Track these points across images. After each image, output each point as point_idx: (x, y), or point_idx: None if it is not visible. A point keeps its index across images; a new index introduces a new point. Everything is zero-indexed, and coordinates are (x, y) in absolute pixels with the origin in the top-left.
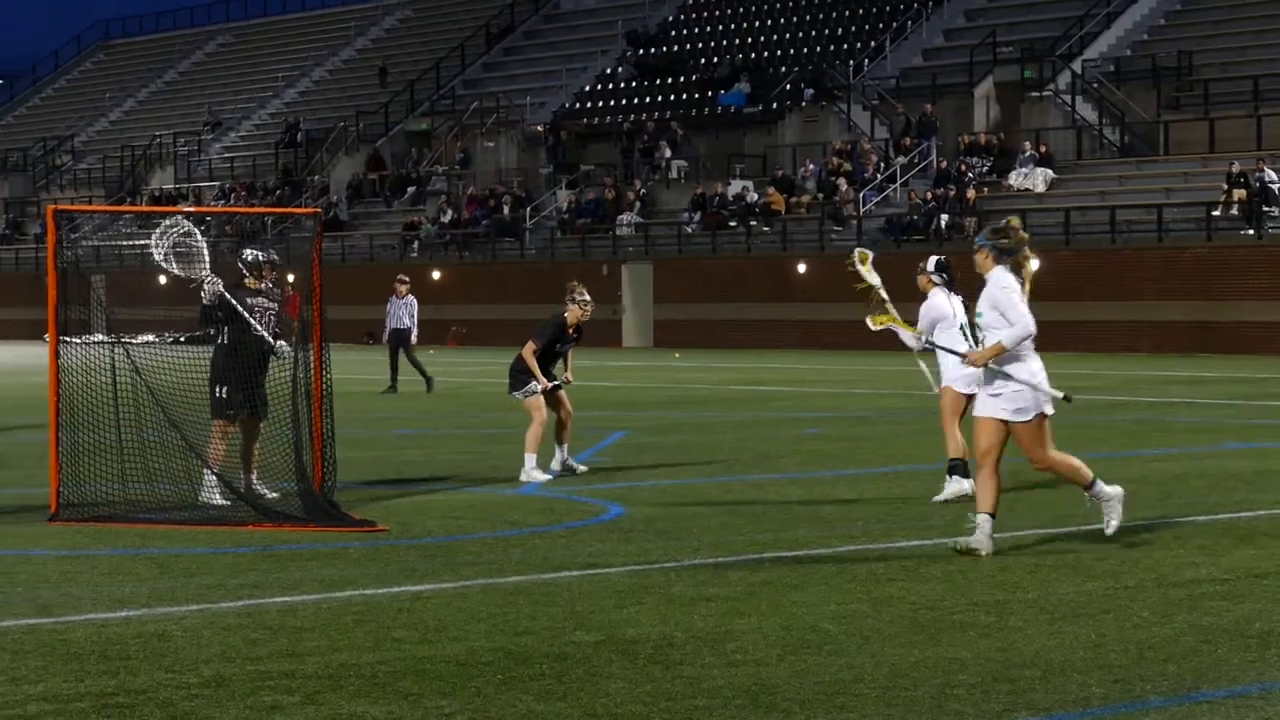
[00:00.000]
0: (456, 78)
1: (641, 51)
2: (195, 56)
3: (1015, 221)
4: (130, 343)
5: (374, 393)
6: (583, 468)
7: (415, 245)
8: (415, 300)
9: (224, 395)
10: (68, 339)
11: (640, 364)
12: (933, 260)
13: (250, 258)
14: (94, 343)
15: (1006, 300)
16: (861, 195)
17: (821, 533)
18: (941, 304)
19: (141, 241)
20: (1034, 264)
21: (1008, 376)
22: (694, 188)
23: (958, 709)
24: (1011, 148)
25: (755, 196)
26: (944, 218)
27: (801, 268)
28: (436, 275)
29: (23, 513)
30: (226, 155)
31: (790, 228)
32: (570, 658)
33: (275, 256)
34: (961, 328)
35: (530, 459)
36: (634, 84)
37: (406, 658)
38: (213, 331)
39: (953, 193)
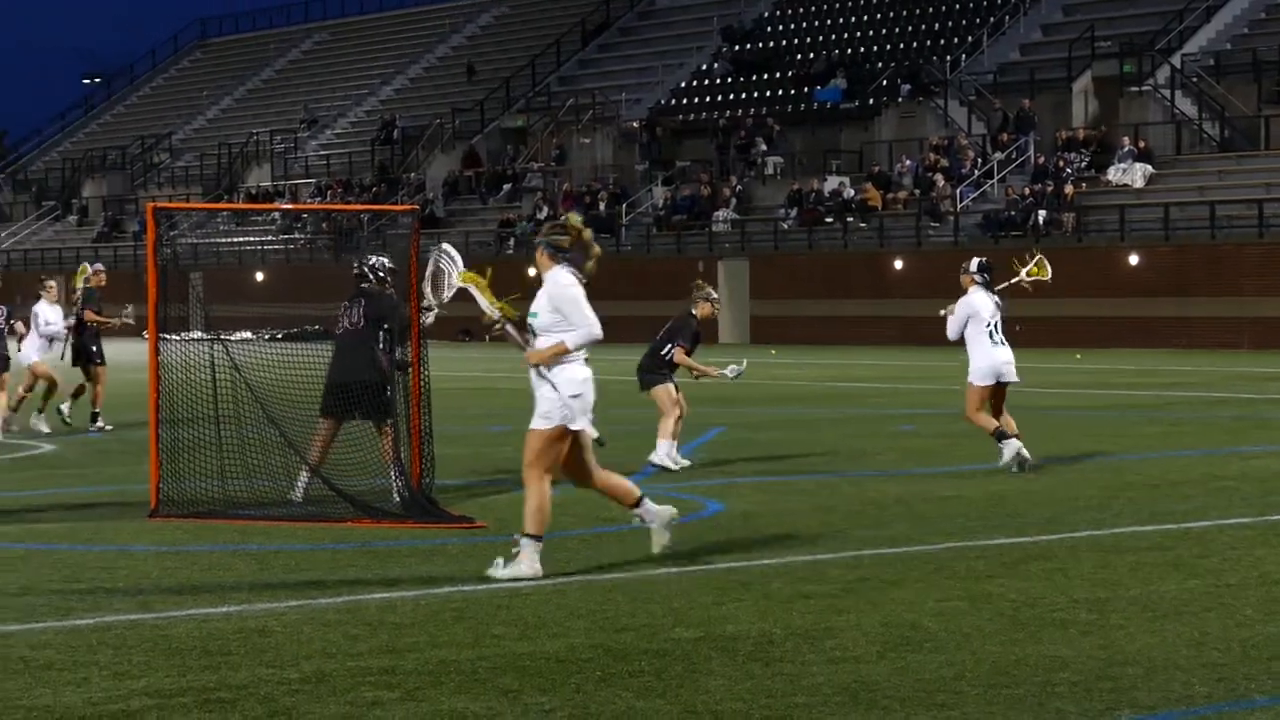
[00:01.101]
0: (552, 74)
1: (737, 47)
2: (292, 54)
3: (575, 219)
4: (228, 339)
5: (470, 389)
6: (685, 462)
7: (511, 242)
8: None
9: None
10: (167, 336)
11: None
12: (975, 261)
13: (376, 263)
14: (193, 340)
15: (568, 300)
16: (958, 191)
17: (920, 530)
18: (976, 302)
19: (239, 239)
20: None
21: (549, 383)
22: (790, 184)
23: (1059, 707)
24: (1110, 143)
25: (851, 193)
26: (1041, 214)
27: (898, 264)
28: (532, 272)
29: (123, 508)
30: (323, 152)
31: (887, 224)
32: (669, 654)
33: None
34: (989, 326)
35: (667, 444)
36: (730, 80)
37: (506, 654)
38: (381, 345)
39: (1050, 188)
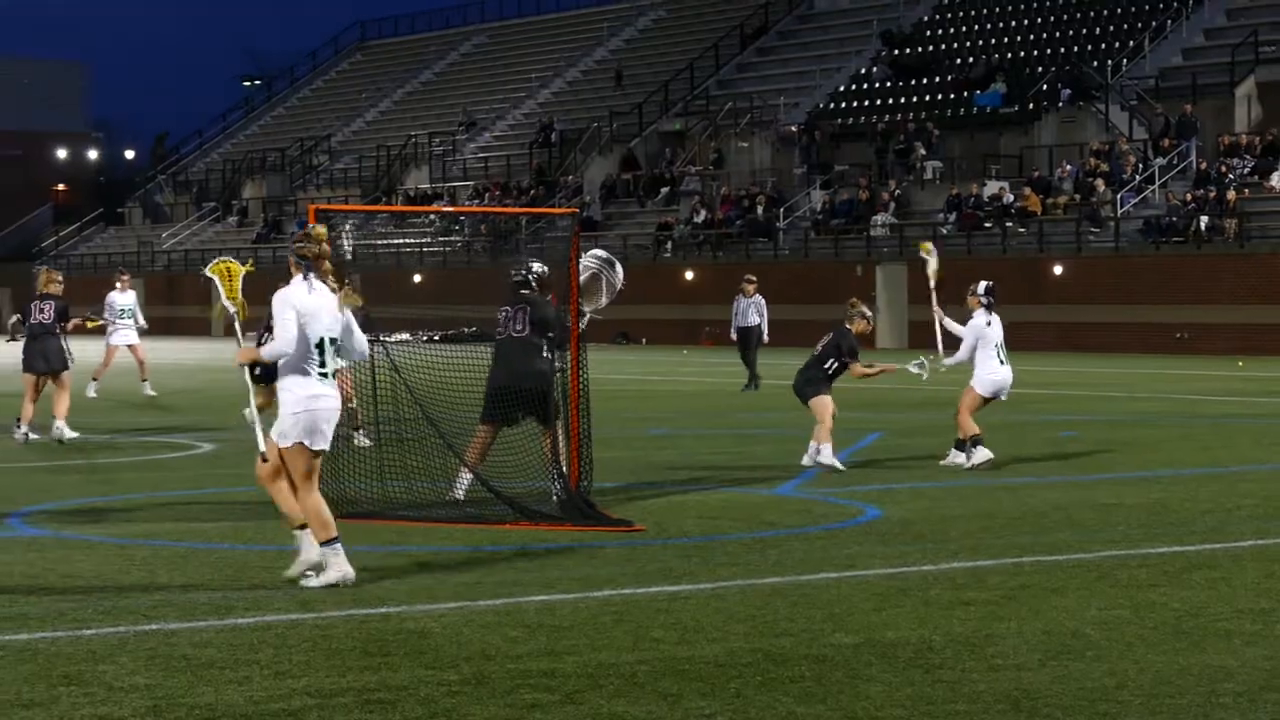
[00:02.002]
0: (710, 78)
1: (896, 51)
2: (451, 57)
3: (321, 230)
4: (387, 341)
5: (628, 393)
6: (841, 466)
7: (669, 245)
8: (763, 299)
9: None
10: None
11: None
12: (983, 284)
13: (539, 269)
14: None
15: (275, 309)
16: (1119, 197)
17: (1081, 537)
18: (981, 324)
19: (397, 240)
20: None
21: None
22: (949, 188)
23: (1223, 718)
24: (1274, 148)
25: (1010, 198)
26: (1203, 220)
27: (1058, 269)
28: (689, 275)
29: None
30: (481, 155)
31: (1046, 229)
32: (829, 660)
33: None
34: (996, 346)
35: (830, 445)
36: (889, 84)
37: (665, 658)
38: (546, 353)
39: (1213, 194)
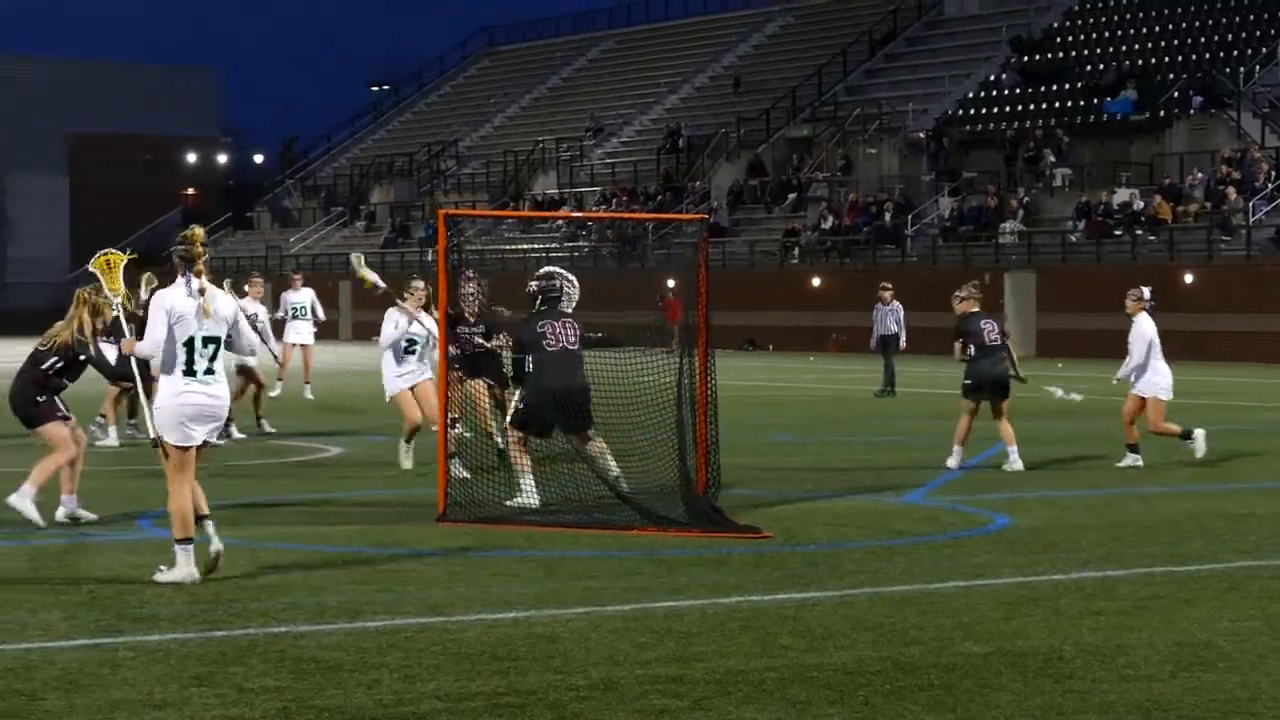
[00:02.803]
0: (839, 84)
1: (1026, 58)
2: (578, 62)
3: (199, 232)
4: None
5: (754, 399)
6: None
7: (795, 252)
8: (901, 306)
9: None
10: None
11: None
12: (1146, 290)
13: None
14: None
15: (150, 314)
16: (1251, 205)
17: (1212, 547)
18: (1151, 329)
19: (524, 245)
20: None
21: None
22: (1078, 196)
23: None
24: None
25: (1141, 205)
26: None
27: (1188, 277)
28: (816, 282)
29: (411, 512)
30: (608, 160)
31: (1177, 236)
32: (959, 669)
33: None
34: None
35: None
36: (1018, 91)
37: (794, 665)
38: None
39: None
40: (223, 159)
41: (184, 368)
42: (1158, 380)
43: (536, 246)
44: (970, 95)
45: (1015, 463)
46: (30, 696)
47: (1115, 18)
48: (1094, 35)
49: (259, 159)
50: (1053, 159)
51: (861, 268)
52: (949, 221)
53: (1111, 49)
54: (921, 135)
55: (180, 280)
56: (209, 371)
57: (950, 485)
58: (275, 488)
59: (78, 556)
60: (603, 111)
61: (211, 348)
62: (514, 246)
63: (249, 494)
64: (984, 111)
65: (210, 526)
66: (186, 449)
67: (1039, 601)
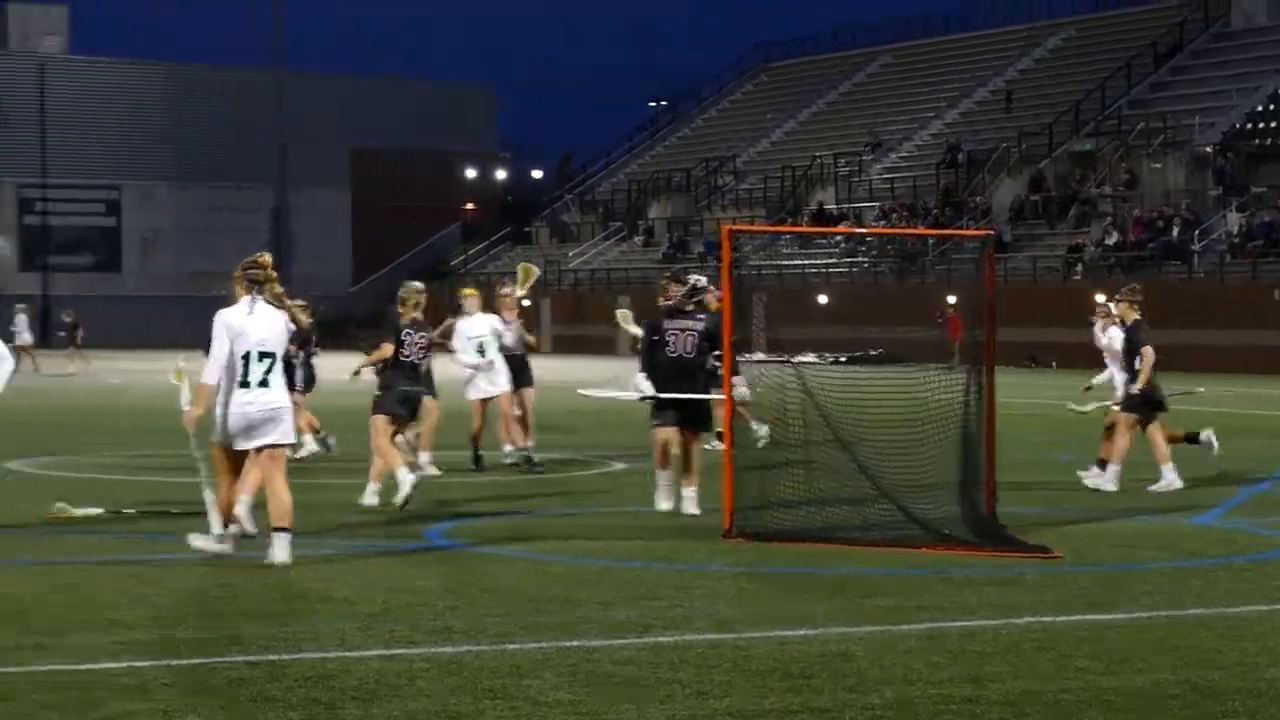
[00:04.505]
0: (1122, 98)
1: None
2: (856, 77)
3: (266, 258)
4: (797, 361)
5: (1030, 417)
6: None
7: (1079, 267)
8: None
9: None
10: (748, 357)
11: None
12: None
13: (697, 282)
14: (754, 361)
15: (214, 333)
16: None
17: None
18: None
19: (802, 261)
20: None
21: None
22: None
23: None
24: None
25: None
26: None
27: None
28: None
29: (698, 528)
30: (887, 176)
31: None
32: (1265, 695)
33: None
34: None
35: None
36: None
37: (1090, 688)
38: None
39: None
40: (501, 174)
41: (240, 380)
42: None
43: (815, 262)
44: (1259, 108)
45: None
46: (329, 705)
47: None
48: None
49: (537, 174)
50: None
51: (1145, 283)
52: (1238, 237)
53: None
54: (1208, 149)
55: (245, 300)
56: (263, 384)
57: (1246, 507)
58: (560, 501)
59: (367, 569)
60: (881, 126)
61: (267, 362)
62: (792, 262)
63: (534, 508)
64: (1273, 125)
65: (284, 539)
66: (239, 452)
67: None
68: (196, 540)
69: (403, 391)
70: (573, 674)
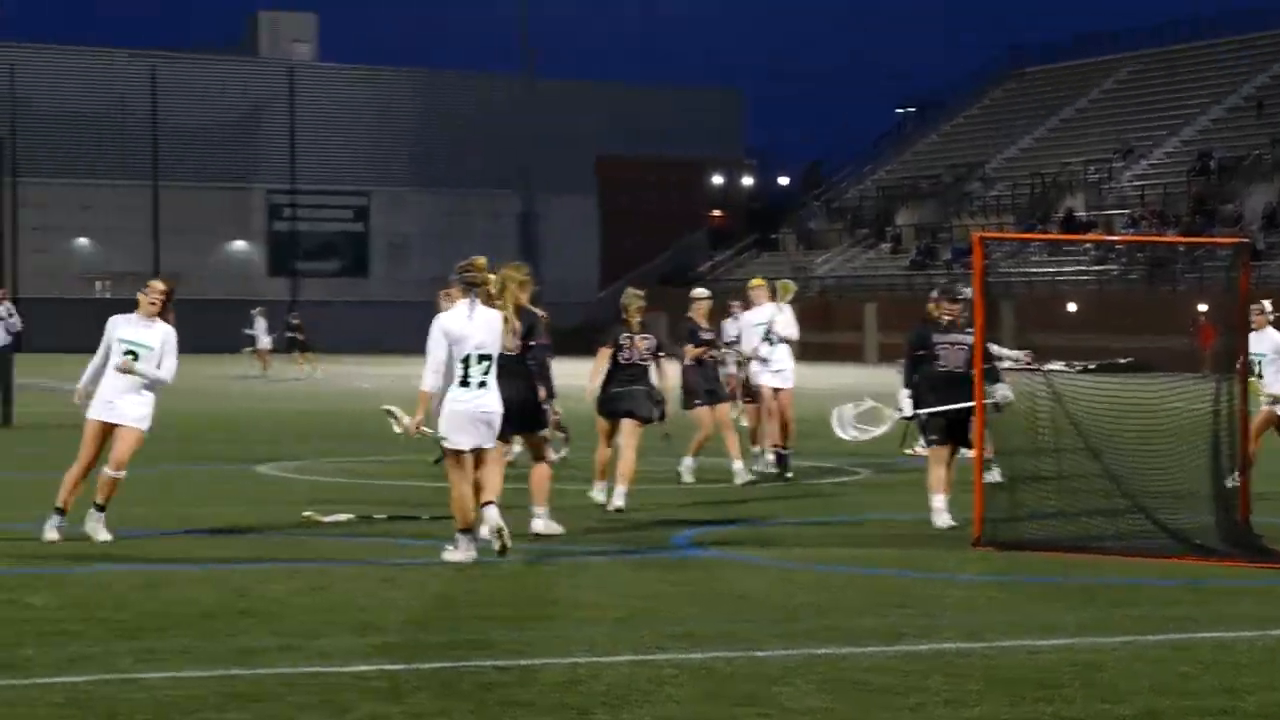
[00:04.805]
0: None
1: None
2: (1106, 84)
3: (480, 261)
4: (1045, 369)
5: None
6: None
7: None
8: None
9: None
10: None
11: None
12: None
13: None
14: (1004, 369)
15: (430, 336)
16: None
17: None
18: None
19: (1050, 269)
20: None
21: None
22: None
23: None
24: None
25: None
26: None
27: None
28: None
29: (948, 536)
30: (1137, 183)
31: None
32: None
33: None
34: None
35: None
36: None
37: None
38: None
39: None
40: (747, 181)
41: (460, 380)
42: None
43: (1065, 270)
44: None
45: None
46: (580, 710)
47: None
48: None
49: (783, 181)
50: None
51: None
52: None
53: None
54: None
55: (464, 303)
56: (481, 384)
57: None
58: (807, 509)
59: (614, 574)
60: (1132, 133)
61: (486, 364)
62: (1041, 270)
63: (781, 515)
64: None
65: (491, 511)
66: (461, 451)
67: None
68: (448, 554)
69: (617, 392)
70: (823, 681)
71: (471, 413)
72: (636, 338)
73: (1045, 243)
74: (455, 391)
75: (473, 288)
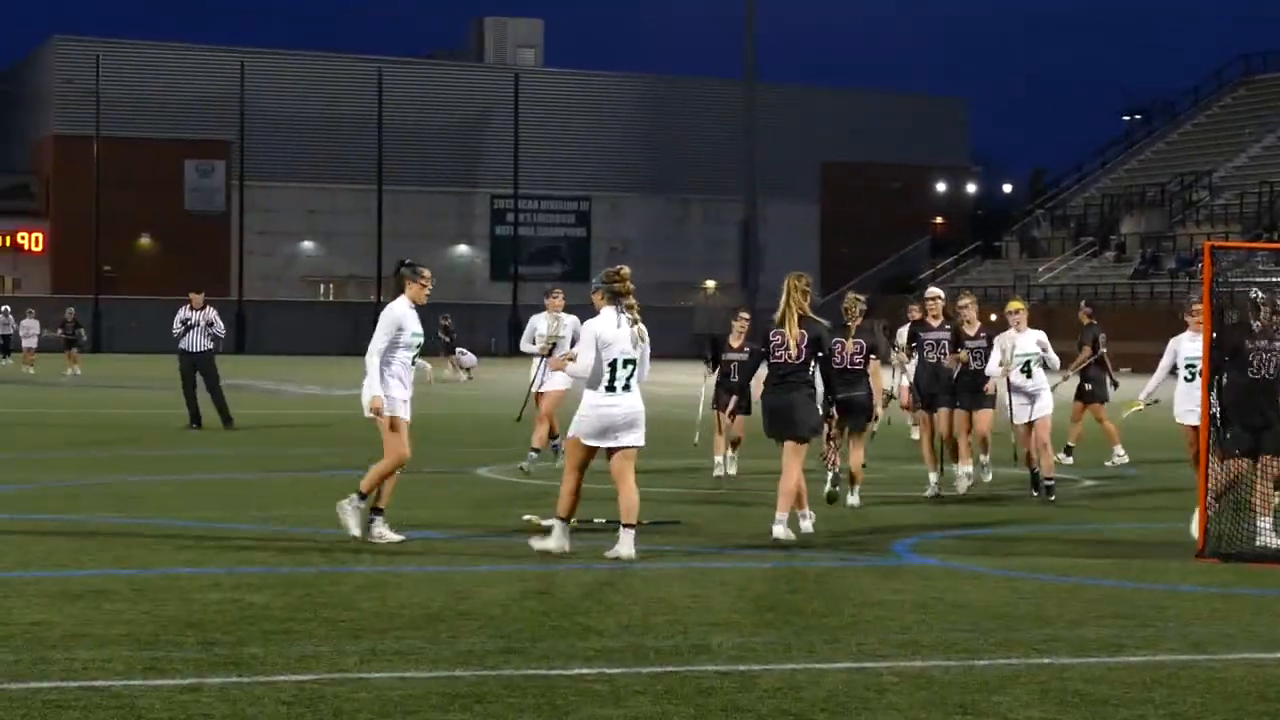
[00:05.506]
0: None
1: None
2: None
3: (625, 271)
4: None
5: None
6: None
7: None
8: None
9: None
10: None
11: None
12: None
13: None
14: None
15: (581, 339)
16: None
17: None
18: None
19: (1276, 279)
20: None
21: None
22: None
23: None
24: None
25: None
26: None
27: None
28: None
29: (1170, 547)
30: None
31: None
32: None
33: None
34: None
35: None
36: None
37: None
38: None
39: None
40: (971, 188)
41: (607, 384)
42: None
43: None
44: None
45: None
46: (798, 716)
47: None
48: None
49: (1007, 188)
50: None
51: None
52: None
53: None
54: None
55: (610, 311)
56: (625, 388)
57: None
58: (1029, 516)
59: (834, 581)
60: None
61: (630, 368)
62: (1270, 280)
63: (1001, 522)
64: None
65: (630, 535)
66: (593, 449)
67: None
68: (536, 543)
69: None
70: (1043, 692)
71: (614, 416)
72: (848, 342)
73: (1274, 252)
74: (596, 395)
75: (619, 297)
